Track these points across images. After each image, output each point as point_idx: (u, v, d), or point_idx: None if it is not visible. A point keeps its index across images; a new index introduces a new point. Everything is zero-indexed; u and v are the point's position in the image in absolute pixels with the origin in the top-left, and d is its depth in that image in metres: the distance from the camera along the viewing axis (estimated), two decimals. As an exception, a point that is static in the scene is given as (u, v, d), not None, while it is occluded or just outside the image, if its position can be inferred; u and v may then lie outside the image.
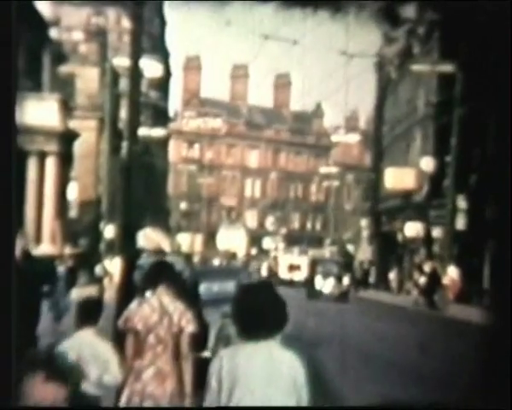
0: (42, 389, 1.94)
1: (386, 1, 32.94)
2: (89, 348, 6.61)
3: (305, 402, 4.18)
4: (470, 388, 8.76)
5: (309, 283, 37.46)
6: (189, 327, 6.48)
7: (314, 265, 38.48)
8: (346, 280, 36.96)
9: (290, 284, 44.04)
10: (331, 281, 36.25)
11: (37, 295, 11.84)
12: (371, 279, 45.84)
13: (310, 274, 38.29)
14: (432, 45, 38.39)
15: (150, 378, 6.43)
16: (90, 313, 6.89)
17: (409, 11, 39.11)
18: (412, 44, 41.76)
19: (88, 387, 6.26)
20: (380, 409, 9.03)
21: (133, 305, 6.70)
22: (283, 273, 46.75)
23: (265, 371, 4.13)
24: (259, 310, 4.19)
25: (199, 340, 6.24)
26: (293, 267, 46.90)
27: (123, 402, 6.38)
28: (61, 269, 17.76)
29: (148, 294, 6.90)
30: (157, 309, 6.49)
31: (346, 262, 42.56)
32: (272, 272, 48.07)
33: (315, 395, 4.39)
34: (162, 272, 6.74)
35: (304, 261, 46.91)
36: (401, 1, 36.84)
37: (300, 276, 45.93)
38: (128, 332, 6.50)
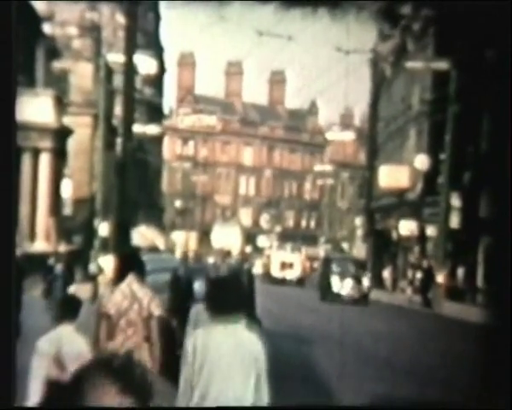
0: (114, 402, 1.71)
1: (385, 0, 32.91)
2: (67, 344, 6.79)
3: (263, 377, 5.02)
4: (468, 386, 8.77)
5: (323, 283, 33.89)
6: (157, 311, 7.18)
7: (328, 264, 35.07)
8: (365, 281, 33.56)
9: (282, 282, 42.79)
10: (349, 282, 32.91)
11: (20, 289, 12.13)
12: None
13: (323, 274, 34.72)
14: (426, 42, 38.37)
15: None
16: (68, 309, 7.06)
17: (404, 7, 39.07)
18: (407, 41, 41.73)
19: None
20: (379, 409, 9.04)
21: (106, 293, 7.56)
22: (275, 271, 44.37)
23: (231, 349, 4.99)
24: (225, 301, 5.07)
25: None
26: (285, 265, 44.34)
27: None
28: (58, 268, 17.75)
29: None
30: (128, 296, 7.16)
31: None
32: (266, 270, 46.95)
33: (274, 373, 5.18)
34: (130, 263, 7.47)
35: (297, 259, 45.60)
36: (400, 0, 36.80)
37: (293, 274, 44.58)
38: (101, 318, 7.15)
